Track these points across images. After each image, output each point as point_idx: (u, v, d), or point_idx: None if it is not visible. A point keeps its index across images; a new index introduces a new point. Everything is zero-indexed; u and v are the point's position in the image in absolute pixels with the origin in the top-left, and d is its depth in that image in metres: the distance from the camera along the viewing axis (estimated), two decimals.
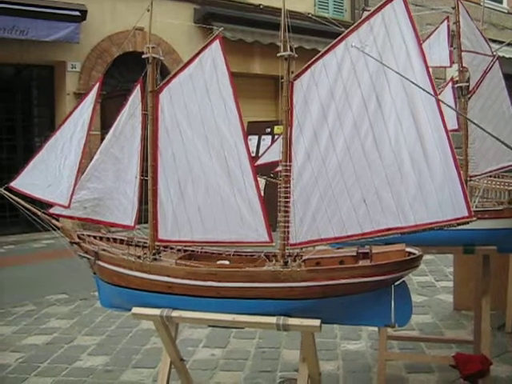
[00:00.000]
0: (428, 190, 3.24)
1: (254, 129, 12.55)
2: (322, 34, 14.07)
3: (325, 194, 3.43)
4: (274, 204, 3.73)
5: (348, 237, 3.42)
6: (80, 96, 12.38)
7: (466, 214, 3.21)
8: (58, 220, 3.94)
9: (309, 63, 3.43)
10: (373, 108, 3.34)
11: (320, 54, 3.43)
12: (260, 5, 15.33)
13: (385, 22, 3.31)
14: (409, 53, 3.28)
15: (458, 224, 3.27)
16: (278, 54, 3.45)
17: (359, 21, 3.39)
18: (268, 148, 4.84)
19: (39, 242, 11.87)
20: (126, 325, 6.40)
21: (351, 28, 3.38)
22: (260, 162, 4.59)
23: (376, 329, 5.18)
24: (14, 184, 3.93)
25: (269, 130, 13.49)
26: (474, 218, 3.25)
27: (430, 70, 3.35)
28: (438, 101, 3.24)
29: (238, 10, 14.98)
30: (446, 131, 3.22)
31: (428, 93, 3.21)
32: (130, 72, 13.32)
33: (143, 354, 5.58)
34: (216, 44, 3.54)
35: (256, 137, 13.20)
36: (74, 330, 6.37)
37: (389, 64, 3.24)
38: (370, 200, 3.33)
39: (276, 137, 9.06)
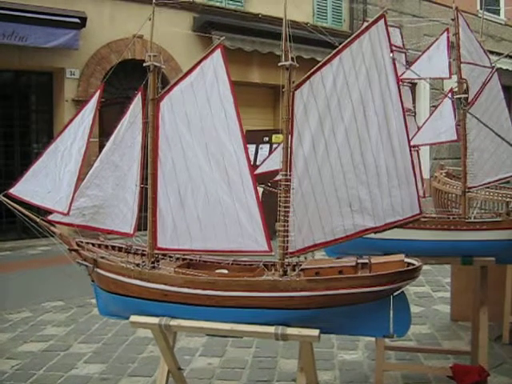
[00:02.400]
0: (395, 194, 3.56)
1: (251, 137, 12.56)
2: (320, 43, 14.11)
3: (320, 202, 3.53)
4: (270, 212, 3.74)
5: (335, 240, 3.59)
6: (78, 103, 12.41)
7: (418, 211, 3.63)
8: (55, 227, 3.94)
9: (308, 74, 3.48)
10: (360, 120, 3.52)
11: (318, 65, 3.51)
12: (259, 14, 15.39)
13: (371, 41, 3.51)
14: (386, 68, 3.51)
15: (413, 221, 3.68)
16: (280, 64, 3.46)
17: (351, 38, 3.52)
18: (267, 157, 4.84)
19: (35, 249, 11.84)
20: (122, 333, 6.38)
21: (345, 43, 3.51)
22: (259, 170, 4.59)
23: (373, 339, 5.18)
24: (13, 191, 3.92)
25: (267, 138, 13.50)
26: (423, 214, 3.72)
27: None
28: (404, 114, 3.56)
29: (237, 19, 15.03)
30: (408, 141, 3.58)
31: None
32: (129, 79, 13.33)
33: (140, 362, 5.56)
34: (217, 53, 3.55)
35: (254, 146, 13.21)
36: (71, 337, 6.35)
37: (373, 79, 3.51)
38: (354, 205, 3.56)
39: (274, 146, 9.06)
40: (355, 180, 3.53)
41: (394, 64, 3.52)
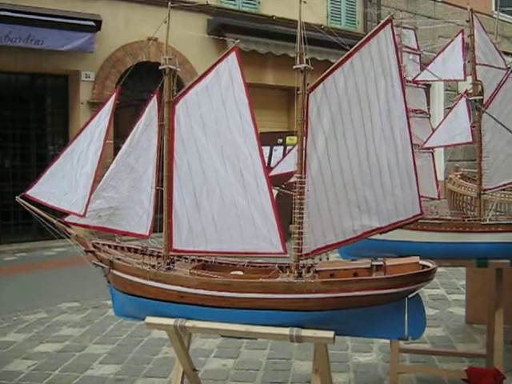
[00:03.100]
0: (398, 195, 3.58)
1: (265, 139, 12.55)
2: (334, 45, 14.08)
3: (332, 204, 3.55)
4: (285, 214, 3.74)
5: (346, 241, 3.61)
6: (94, 105, 12.51)
7: (419, 212, 3.64)
8: (71, 228, 3.97)
9: (322, 76, 3.49)
10: (366, 121, 3.54)
11: (331, 68, 3.52)
12: (273, 16, 15.41)
13: (379, 45, 3.53)
14: (391, 70, 3.53)
15: (415, 221, 3.70)
16: (294, 67, 3.47)
17: (361, 41, 3.53)
18: (282, 159, 4.85)
19: (51, 250, 11.96)
20: (137, 334, 6.42)
21: (356, 46, 3.52)
22: (274, 172, 4.59)
23: (387, 341, 5.16)
24: (30, 192, 3.96)
25: (281, 140, 13.52)
26: (423, 215, 3.74)
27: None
28: (407, 114, 3.59)
29: (252, 21, 15.06)
30: (411, 143, 3.59)
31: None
32: (144, 82, 13.41)
33: (155, 363, 5.59)
34: (232, 56, 3.56)
35: (268, 147, 13.22)
36: (86, 338, 6.40)
37: (379, 81, 3.54)
38: (362, 206, 3.59)
39: (289, 148, 9.07)
40: (361, 183, 3.55)
41: (400, 66, 3.56)
